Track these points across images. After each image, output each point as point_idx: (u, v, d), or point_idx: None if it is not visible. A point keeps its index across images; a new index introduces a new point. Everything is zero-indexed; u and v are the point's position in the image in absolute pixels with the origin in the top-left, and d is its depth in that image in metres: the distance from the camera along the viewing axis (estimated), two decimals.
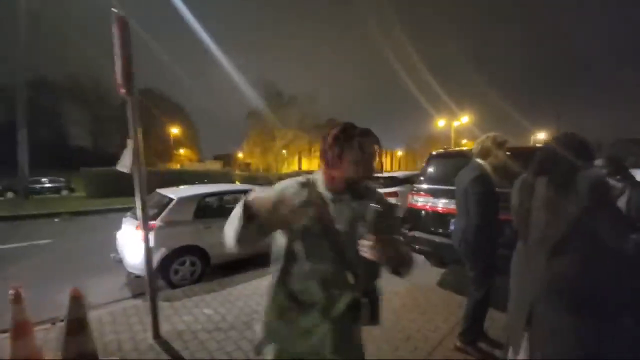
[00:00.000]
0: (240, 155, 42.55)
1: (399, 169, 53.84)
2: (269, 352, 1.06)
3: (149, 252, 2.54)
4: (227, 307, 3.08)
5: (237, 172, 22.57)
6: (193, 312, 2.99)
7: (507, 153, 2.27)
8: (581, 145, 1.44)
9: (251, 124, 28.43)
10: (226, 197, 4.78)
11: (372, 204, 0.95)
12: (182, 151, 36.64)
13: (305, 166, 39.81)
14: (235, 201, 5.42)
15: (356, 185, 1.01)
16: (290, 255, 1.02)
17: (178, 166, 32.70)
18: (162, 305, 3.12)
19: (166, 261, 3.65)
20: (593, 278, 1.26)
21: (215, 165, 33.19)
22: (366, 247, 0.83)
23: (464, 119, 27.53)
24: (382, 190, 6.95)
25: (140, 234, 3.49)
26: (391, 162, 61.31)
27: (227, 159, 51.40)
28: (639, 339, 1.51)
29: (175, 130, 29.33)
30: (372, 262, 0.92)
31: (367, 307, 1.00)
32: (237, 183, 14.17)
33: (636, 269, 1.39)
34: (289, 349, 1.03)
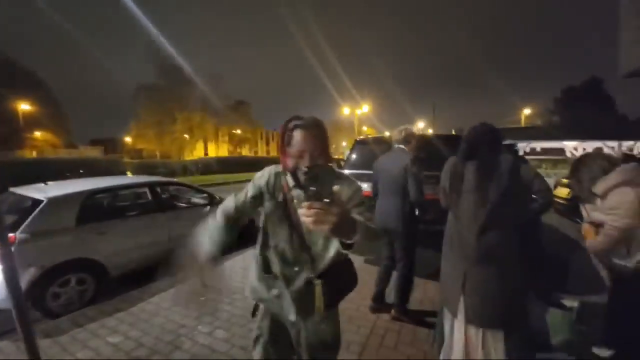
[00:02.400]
0: (128, 139, 35.54)
1: None
2: (260, 312, 1.26)
3: (12, 271, 1.78)
4: (141, 328, 2.53)
5: (127, 159, 18.58)
6: (91, 345, 2.33)
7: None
8: (496, 133, 1.70)
9: (142, 101, 23.57)
10: (123, 193, 3.87)
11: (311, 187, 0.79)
12: (38, 134, 28.02)
13: (212, 152, 36.51)
14: (136, 197, 4.47)
15: (305, 172, 1.01)
16: (263, 230, 1.19)
17: (34, 154, 24.89)
18: (41, 344, 2.31)
19: (38, 285, 2.71)
20: (513, 248, 1.52)
21: (93, 152, 26.59)
22: (303, 215, 0.74)
23: (365, 108, 30.29)
24: None
25: None
26: None
27: (110, 144, 42.27)
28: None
29: (25, 107, 21.73)
30: (325, 243, 1.10)
31: (320, 288, 1.09)
32: (129, 174, 11.79)
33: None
34: (269, 309, 1.22)
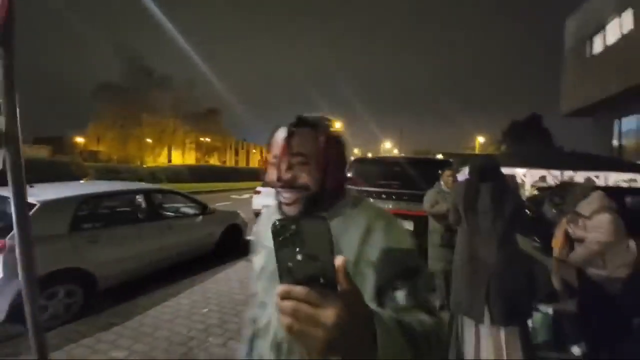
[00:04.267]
0: (80, 140, 32.35)
1: None
2: None
3: (31, 281, 1.66)
4: (146, 342, 2.41)
5: (87, 162, 16.62)
6: None
7: None
8: (499, 161, 2.05)
9: (104, 101, 21.68)
10: (116, 200, 3.66)
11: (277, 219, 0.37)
12: None
13: (177, 160, 34.52)
14: (129, 204, 4.20)
15: (280, 201, 0.66)
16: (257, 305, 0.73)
17: None
18: None
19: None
20: (522, 255, 1.83)
21: (40, 152, 23.62)
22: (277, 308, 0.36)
23: (337, 125, 31.38)
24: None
25: None
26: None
27: (57, 143, 38.16)
28: None
29: None
30: None
31: None
32: (86, 180, 10.72)
33: None
34: None
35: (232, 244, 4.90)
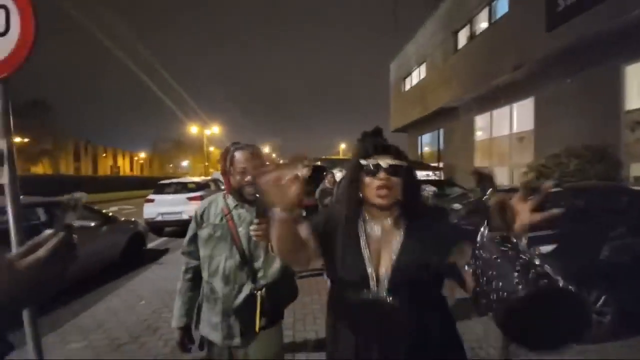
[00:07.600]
0: None
1: (142, 173, 47.23)
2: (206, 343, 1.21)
3: None
4: (101, 331, 2.70)
5: None
6: None
7: None
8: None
9: None
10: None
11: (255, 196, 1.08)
12: None
13: None
14: (28, 219, 3.55)
15: (245, 192, 1.12)
16: (203, 260, 1.19)
17: None
18: None
19: None
20: None
21: None
22: (254, 231, 0.95)
23: (215, 129, 30.37)
24: (187, 195, 7.14)
25: None
26: (131, 165, 51.91)
27: None
28: None
29: None
30: (269, 257, 1.11)
31: (262, 300, 1.07)
32: None
33: None
34: (213, 338, 1.15)
35: (136, 251, 4.93)
